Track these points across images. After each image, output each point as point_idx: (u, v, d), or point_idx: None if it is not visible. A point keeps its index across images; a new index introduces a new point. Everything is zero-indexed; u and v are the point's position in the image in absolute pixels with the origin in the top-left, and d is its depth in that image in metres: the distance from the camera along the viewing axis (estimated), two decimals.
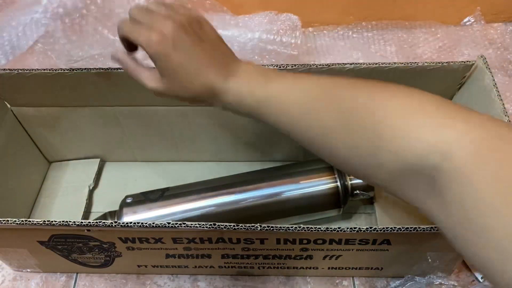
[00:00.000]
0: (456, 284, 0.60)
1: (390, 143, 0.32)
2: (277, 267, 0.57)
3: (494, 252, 0.27)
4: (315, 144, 0.38)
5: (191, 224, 0.45)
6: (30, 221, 0.47)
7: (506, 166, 0.28)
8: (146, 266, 0.59)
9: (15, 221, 0.47)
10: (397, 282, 0.60)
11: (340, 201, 0.60)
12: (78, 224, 0.47)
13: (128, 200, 0.61)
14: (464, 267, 0.61)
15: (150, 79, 0.43)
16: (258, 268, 0.58)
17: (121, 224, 0.46)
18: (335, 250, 0.52)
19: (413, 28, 0.93)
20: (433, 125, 0.31)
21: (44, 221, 0.47)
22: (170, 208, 0.60)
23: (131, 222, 0.45)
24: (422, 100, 0.33)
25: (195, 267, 0.58)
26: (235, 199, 0.59)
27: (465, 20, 0.93)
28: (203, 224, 0.44)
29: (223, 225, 0.44)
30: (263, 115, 0.39)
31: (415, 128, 0.31)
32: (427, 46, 0.90)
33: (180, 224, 0.45)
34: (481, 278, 0.60)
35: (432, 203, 0.31)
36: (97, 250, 0.54)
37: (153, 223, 0.45)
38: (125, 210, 0.60)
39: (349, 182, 0.60)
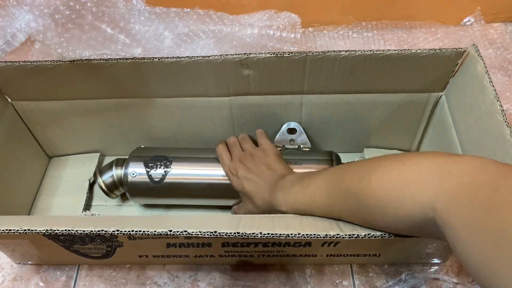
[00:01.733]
0: (456, 281, 0.59)
1: (395, 211, 0.39)
2: (276, 255, 0.57)
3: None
4: (347, 220, 0.47)
5: (192, 232, 0.46)
6: (32, 230, 0.47)
7: (478, 209, 0.31)
8: (147, 256, 0.59)
9: (18, 230, 0.47)
10: (397, 279, 0.60)
11: None
12: (81, 233, 0.47)
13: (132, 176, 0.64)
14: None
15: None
16: (258, 256, 0.58)
17: (123, 232, 0.47)
18: (333, 237, 0.52)
19: (413, 28, 0.93)
20: (419, 186, 0.36)
21: (47, 230, 0.47)
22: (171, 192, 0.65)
23: (133, 230, 0.47)
24: (406, 167, 0.39)
25: (196, 256, 0.59)
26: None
27: (465, 20, 0.94)
28: (204, 232, 0.46)
29: (223, 232, 0.45)
30: (308, 211, 0.50)
31: (408, 194, 0.37)
32: (427, 46, 0.91)
33: (181, 232, 0.46)
34: None
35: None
36: (98, 240, 0.54)
37: (155, 231, 0.47)
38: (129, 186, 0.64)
39: None
